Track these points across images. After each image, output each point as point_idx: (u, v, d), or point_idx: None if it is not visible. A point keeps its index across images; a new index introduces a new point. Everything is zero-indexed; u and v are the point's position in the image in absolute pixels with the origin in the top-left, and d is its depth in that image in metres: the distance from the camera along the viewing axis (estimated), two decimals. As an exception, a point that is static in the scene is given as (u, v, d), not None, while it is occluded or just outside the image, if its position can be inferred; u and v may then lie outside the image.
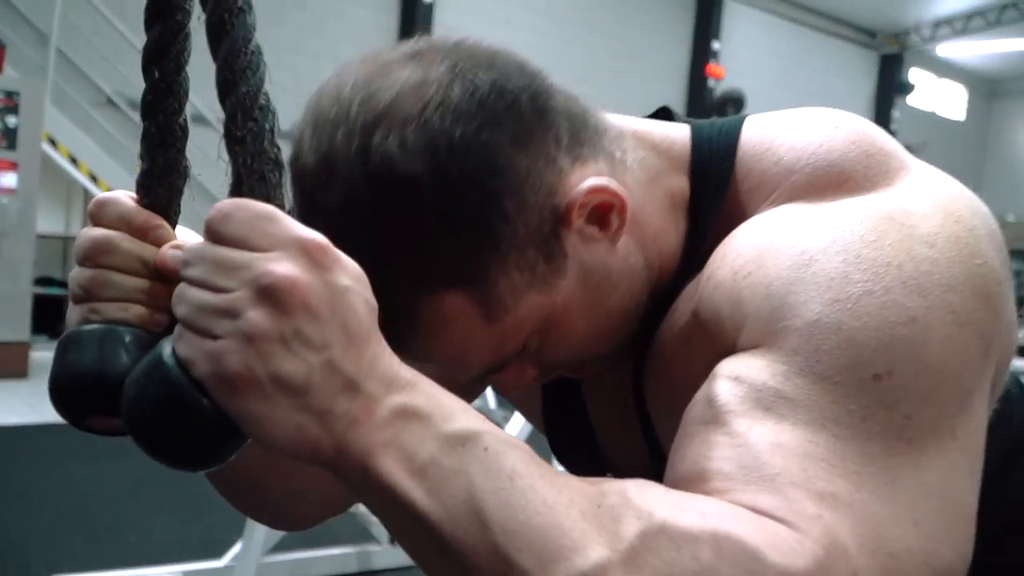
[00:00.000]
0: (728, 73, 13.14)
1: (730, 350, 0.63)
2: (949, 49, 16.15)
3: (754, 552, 0.51)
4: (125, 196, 0.60)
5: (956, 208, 0.64)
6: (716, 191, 0.72)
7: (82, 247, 0.58)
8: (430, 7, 10.12)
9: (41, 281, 6.67)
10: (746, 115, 0.76)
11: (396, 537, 0.54)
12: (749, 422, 0.57)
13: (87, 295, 0.57)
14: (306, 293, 0.48)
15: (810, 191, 0.66)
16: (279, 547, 3.17)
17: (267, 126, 0.55)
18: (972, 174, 18.48)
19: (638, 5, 12.40)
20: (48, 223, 6.79)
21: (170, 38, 0.58)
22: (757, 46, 13.99)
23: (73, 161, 7.25)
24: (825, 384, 0.57)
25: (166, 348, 0.51)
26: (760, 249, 0.64)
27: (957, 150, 17.78)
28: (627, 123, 0.76)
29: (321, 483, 0.83)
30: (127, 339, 0.56)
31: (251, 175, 0.54)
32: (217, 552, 3.26)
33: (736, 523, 0.53)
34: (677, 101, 13.06)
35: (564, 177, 0.66)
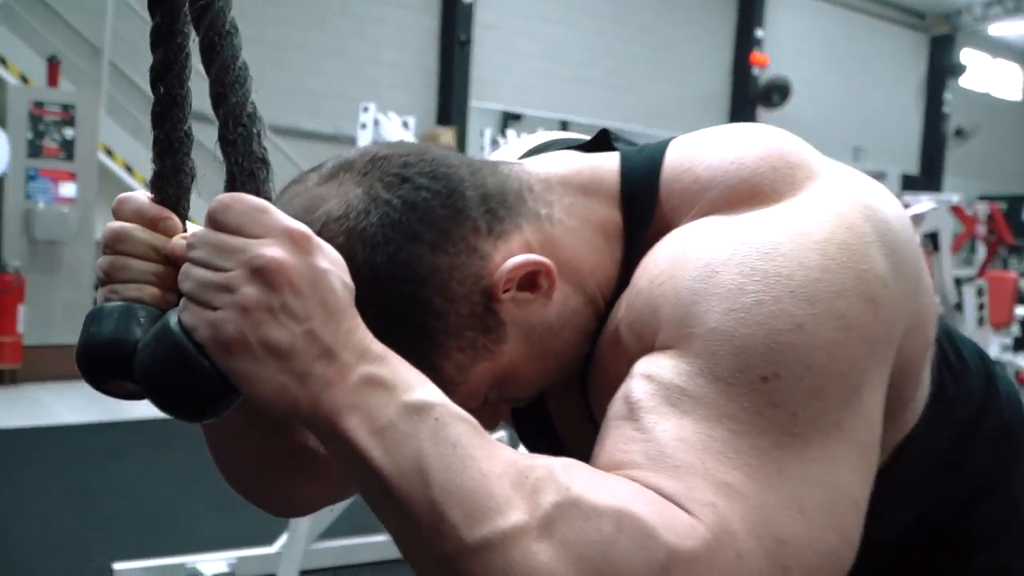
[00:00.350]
0: (773, 61, 12.99)
1: (649, 350, 0.69)
2: (1002, 28, 15.79)
3: (651, 530, 0.57)
4: (141, 194, 0.68)
5: (849, 215, 0.68)
6: (644, 216, 0.77)
7: (104, 237, 0.66)
8: (470, 7, 10.11)
9: (101, 286, 6.92)
10: (672, 138, 0.81)
11: (354, 484, 0.62)
12: (657, 418, 0.64)
13: (108, 278, 0.64)
14: (291, 273, 0.56)
15: (724, 205, 0.72)
16: (326, 534, 3.27)
17: (255, 130, 0.62)
18: (1030, 155, 18.05)
19: (679, 1, 12.37)
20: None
21: (172, 58, 0.65)
22: (802, 33, 13.80)
23: (128, 169, 7.47)
24: (721, 384, 0.63)
25: (172, 318, 0.58)
26: (673, 260, 0.70)
27: (1013, 130, 17.38)
28: (556, 168, 0.80)
29: (320, 473, 0.87)
30: (141, 315, 0.62)
31: (242, 172, 0.62)
32: (267, 540, 3.38)
33: (640, 504, 0.59)
34: (722, 90, 12.96)
35: (488, 261, 0.72)
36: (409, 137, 5.78)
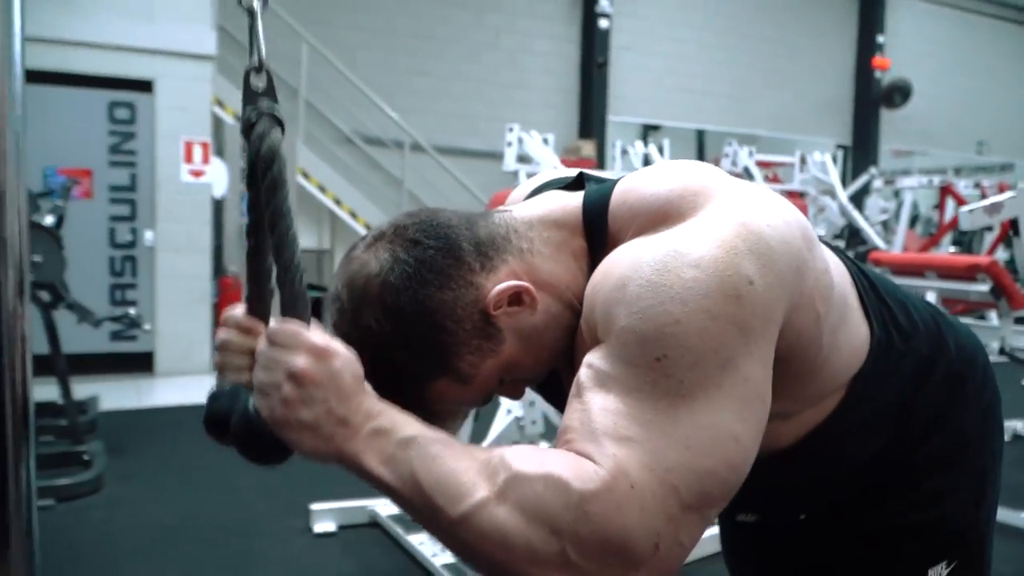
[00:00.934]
0: (894, 64, 12.35)
1: (595, 338, 0.82)
2: None
3: (567, 483, 0.72)
4: (240, 309, 0.85)
5: (723, 233, 0.79)
6: (599, 239, 0.91)
7: (216, 343, 0.85)
8: (606, 33, 10.16)
9: (301, 286, 7.37)
10: (622, 175, 0.95)
11: (382, 494, 0.78)
12: (591, 394, 0.78)
13: (220, 370, 0.84)
14: (313, 375, 0.75)
15: (648, 226, 0.85)
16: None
17: (298, 275, 0.79)
18: None
19: (800, 13, 11.91)
20: (304, 240, 7.41)
21: (259, 222, 0.81)
22: (922, 36, 13.02)
23: (322, 189, 7.89)
24: (630, 367, 0.76)
25: (250, 401, 0.78)
26: (603, 275, 0.84)
27: None
28: (536, 211, 0.95)
29: None
30: (242, 394, 0.80)
31: (289, 305, 0.79)
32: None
33: (561, 466, 0.73)
34: (845, 94, 12.44)
35: (482, 290, 0.88)
36: (550, 151, 5.95)
